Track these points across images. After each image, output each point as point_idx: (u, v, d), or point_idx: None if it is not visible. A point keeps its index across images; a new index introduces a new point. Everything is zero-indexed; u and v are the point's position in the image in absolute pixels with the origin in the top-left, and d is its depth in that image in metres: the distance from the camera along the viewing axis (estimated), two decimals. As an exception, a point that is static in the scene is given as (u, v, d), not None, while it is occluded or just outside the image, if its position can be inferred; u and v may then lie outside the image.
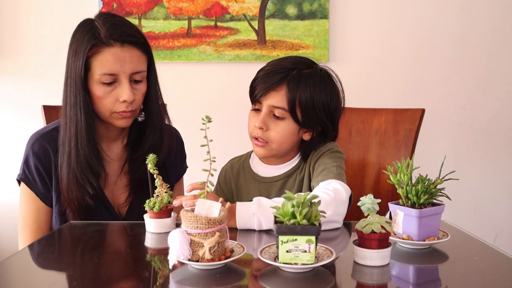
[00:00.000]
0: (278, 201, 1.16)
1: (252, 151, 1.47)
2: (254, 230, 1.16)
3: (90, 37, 1.25)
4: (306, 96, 1.29)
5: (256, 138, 1.34)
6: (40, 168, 1.32)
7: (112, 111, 1.28)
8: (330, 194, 1.18)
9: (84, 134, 1.26)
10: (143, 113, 1.37)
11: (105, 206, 1.35)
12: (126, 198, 1.39)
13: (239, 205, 1.17)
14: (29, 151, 1.33)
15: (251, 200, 1.18)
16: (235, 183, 1.45)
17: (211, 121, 0.99)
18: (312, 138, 1.38)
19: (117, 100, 1.27)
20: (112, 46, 1.24)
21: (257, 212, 1.14)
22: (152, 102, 1.37)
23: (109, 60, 1.24)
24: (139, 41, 1.29)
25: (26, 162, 1.33)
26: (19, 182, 1.36)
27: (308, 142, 1.38)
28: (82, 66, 1.24)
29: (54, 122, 1.41)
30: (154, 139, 1.37)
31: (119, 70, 1.25)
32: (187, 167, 1.55)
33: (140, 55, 1.29)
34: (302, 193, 0.91)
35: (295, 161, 1.40)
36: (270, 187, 1.39)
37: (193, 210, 0.92)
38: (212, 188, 1.03)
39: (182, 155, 1.54)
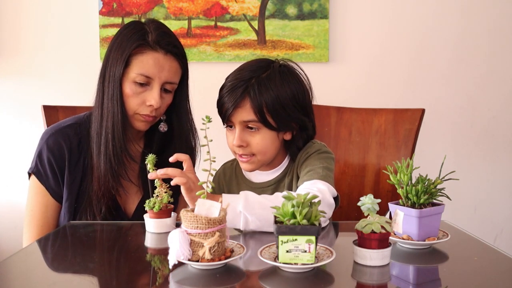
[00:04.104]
0: (267, 197, 1.14)
1: None
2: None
3: (138, 37, 1.29)
4: (271, 100, 1.26)
5: (240, 155, 1.32)
6: (53, 162, 1.33)
7: (135, 111, 1.32)
8: (317, 194, 1.16)
9: (120, 127, 1.30)
10: (163, 123, 1.40)
11: (113, 205, 1.36)
12: (135, 199, 1.41)
13: (225, 198, 1.11)
14: (44, 145, 1.34)
15: None
16: (227, 189, 1.45)
17: (211, 121, 0.99)
18: (294, 136, 1.35)
19: (143, 103, 1.31)
20: (157, 51, 1.30)
21: (244, 210, 1.11)
22: (182, 116, 1.41)
23: (149, 63, 1.29)
24: (181, 55, 1.35)
25: (39, 155, 1.34)
26: (29, 175, 1.37)
27: (291, 141, 1.36)
28: (124, 61, 1.28)
29: (68, 118, 1.43)
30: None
31: (155, 75, 1.30)
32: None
33: (178, 67, 1.35)
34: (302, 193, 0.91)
35: (284, 164, 1.39)
36: (262, 192, 1.36)
37: (193, 210, 0.92)
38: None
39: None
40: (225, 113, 1.30)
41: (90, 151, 1.34)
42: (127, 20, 2.39)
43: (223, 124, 1.35)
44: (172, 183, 1.12)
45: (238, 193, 1.40)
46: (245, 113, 1.27)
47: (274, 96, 1.26)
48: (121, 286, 0.89)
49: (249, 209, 1.11)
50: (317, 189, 1.19)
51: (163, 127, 1.40)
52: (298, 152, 1.37)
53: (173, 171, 1.13)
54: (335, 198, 1.25)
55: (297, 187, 1.33)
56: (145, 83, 1.30)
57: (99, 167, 1.31)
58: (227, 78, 1.34)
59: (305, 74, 1.36)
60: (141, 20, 1.38)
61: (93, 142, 1.33)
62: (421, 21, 2.46)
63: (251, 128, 1.29)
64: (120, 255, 1.08)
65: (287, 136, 1.35)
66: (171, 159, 1.17)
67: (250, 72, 1.29)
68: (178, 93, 1.39)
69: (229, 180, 1.46)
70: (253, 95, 1.26)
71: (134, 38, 1.29)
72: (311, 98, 1.37)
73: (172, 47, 1.32)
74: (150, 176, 1.15)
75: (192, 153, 1.47)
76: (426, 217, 1.02)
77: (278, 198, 1.14)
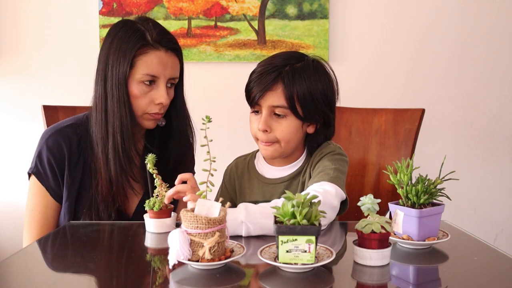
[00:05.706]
0: (265, 206, 1.13)
1: (257, 151, 1.46)
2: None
3: (138, 38, 1.30)
4: (303, 90, 1.28)
5: (262, 141, 1.32)
6: (53, 163, 1.33)
7: (144, 111, 1.33)
8: (317, 195, 1.15)
9: (129, 129, 1.31)
10: (162, 117, 1.40)
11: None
12: (135, 199, 1.41)
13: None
14: (43, 145, 1.34)
15: (254, 201, 1.17)
16: (238, 183, 1.44)
17: (211, 121, 0.99)
18: (317, 130, 1.36)
19: (151, 102, 1.32)
20: (159, 50, 1.31)
21: (246, 220, 1.10)
22: (180, 111, 1.42)
23: (154, 62, 1.30)
24: (179, 50, 1.38)
25: (39, 156, 1.34)
26: (29, 175, 1.37)
27: (313, 135, 1.36)
28: (128, 63, 1.28)
29: (68, 118, 1.43)
30: (180, 151, 1.43)
31: (161, 73, 1.31)
32: (194, 172, 1.53)
33: (178, 63, 1.37)
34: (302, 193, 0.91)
35: (300, 162, 1.38)
36: (274, 189, 1.37)
37: (193, 210, 0.92)
38: (213, 188, 1.02)
39: (191, 162, 1.54)
40: (254, 96, 1.30)
41: (93, 155, 1.33)
42: (127, 20, 2.39)
43: (251, 108, 1.35)
44: (185, 199, 1.14)
45: (249, 187, 1.40)
46: (276, 97, 1.28)
47: (306, 86, 1.28)
48: (121, 286, 0.89)
49: (250, 219, 1.11)
50: (323, 190, 1.18)
51: (161, 122, 1.41)
52: (316, 148, 1.37)
53: (183, 188, 1.17)
54: (344, 201, 1.25)
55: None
56: (151, 83, 1.31)
57: (108, 171, 1.31)
58: (259, 64, 1.35)
59: (334, 74, 1.38)
60: (161, 26, 1.38)
61: (98, 148, 1.32)
62: (421, 21, 2.46)
63: (278, 115, 1.30)
64: (120, 255, 1.08)
65: (311, 129, 1.36)
66: (176, 182, 1.19)
67: (283, 60, 1.31)
68: (176, 87, 1.41)
69: (241, 174, 1.44)
70: (286, 82, 1.28)
71: (134, 39, 1.29)
72: (336, 99, 1.39)
73: (173, 44, 1.34)
74: (167, 200, 1.18)
75: (190, 147, 1.48)
76: (426, 217, 1.02)
77: (277, 205, 1.13)
